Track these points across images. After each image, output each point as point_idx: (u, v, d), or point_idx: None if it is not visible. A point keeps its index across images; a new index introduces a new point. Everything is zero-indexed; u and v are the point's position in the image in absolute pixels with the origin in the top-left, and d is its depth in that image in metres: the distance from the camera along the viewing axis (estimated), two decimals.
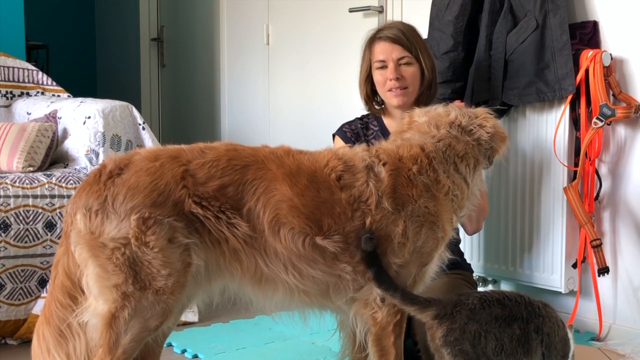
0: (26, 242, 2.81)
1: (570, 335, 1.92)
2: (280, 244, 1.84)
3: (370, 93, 2.60)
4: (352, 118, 2.70)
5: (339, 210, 1.87)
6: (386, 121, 2.63)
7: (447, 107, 2.10)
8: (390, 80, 2.49)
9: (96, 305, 1.82)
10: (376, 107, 2.62)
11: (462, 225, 2.62)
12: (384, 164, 1.93)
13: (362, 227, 1.88)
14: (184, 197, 1.80)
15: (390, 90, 2.51)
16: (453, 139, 2.01)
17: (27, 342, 2.82)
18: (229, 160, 1.86)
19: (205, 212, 1.81)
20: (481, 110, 2.09)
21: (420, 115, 2.10)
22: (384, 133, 2.59)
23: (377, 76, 2.54)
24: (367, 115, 2.68)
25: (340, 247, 1.86)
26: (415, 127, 2.07)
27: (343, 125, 2.64)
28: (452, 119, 2.04)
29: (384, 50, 2.51)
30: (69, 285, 1.89)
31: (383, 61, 2.51)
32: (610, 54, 2.73)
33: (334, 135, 2.66)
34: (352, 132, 2.61)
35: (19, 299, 2.81)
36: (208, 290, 1.94)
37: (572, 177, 2.81)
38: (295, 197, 1.84)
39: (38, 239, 2.84)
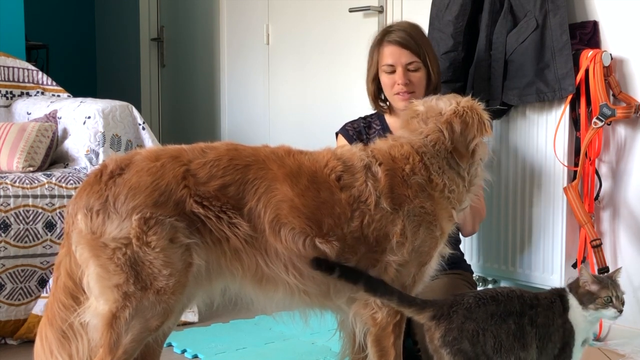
0: (26, 242, 2.81)
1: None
2: (281, 244, 1.84)
3: (377, 92, 2.61)
4: (352, 118, 2.72)
5: (339, 211, 1.87)
6: (389, 120, 2.64)
7: (440, 98, 2.08)
8: (398, 84, 2.50)
9: (97, 305, 1.82)
10: (382, 105, 2.63)
11: (458, 227, 2.62)
12: (379, 164, 1.94)
13: (359, 227, 1.88)
14: (185, 196, 1.80)
15: (397, 94, 2.52)
16: (440, 132, 1.99)
17: (27, 342, 2.82)
18: (230, 160, 1.86)
19: (207, 211, 1.81)
20: (464, 100, 2.04)
21: (420, 106, 2.09)
22: (386, 131, 2.60)
23: (385, 79, 2.54)
24: (371, 114, 2.70)
25: (339, 249, 1.86)
26: (407, 124, 2.07)
27: (346, 124, 2.66)
28: (439, 110, 2.03)
29: (393, 55, 2.51)
30: (71, 286, 1.89)
31: (392, 65, 2.51)
32: (610, 54, 2.73)
33: (337, 134, 2.67)
34: (355, 130, 2.63)
35: (19, 299, 2.81)
36: (209, 290, 1.94)
37: (572, 177, 2.81)
38: (296, 197, 1.84)
39: (38, 239, 2.84)
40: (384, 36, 2.55)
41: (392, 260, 1.90)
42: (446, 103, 2.05)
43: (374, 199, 1.89)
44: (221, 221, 1.82)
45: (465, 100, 2.05)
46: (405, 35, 2.52)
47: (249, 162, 1.87)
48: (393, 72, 2.51)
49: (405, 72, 2.50)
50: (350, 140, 2.58)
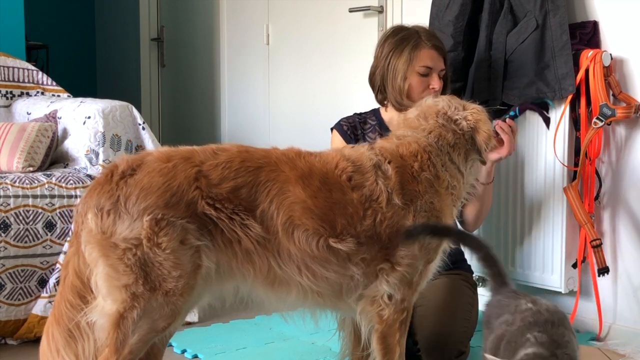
0: (26, 242, 2.81)
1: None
2: (294, 246, 1.85)
3: (407, 90, 2.55)
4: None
5: (351, 211, 1.88)
6: (385, 115, 2.65)
7: (436, 98, 2.13)
8: (433, 88, 2.51)
9: (104, 305, 1.81)
10: (407, 103, 2.57)
11: (463, 223, 2.63)
12: (389, 162, 1.96)
13: (372, 225, 1.89)
14: (197, 198, 1.80)
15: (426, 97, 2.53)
16: (442, 128, 2.04)
17: (27, 342, 2.83)
18: (241, 162, 1.86)
19: (219, 213, 1.81)
20: (472, 105, 2.11)
21: (412, 110, 2.13)
22: (381, 126, 2.62)
23: (418, 80, 2.52)
24: (366, 111, 2.70)
25: (353, 247, 1.88)
26: (406, 123, 2.10)
27: (341, 120, 2.67)
28: (439, 109, 2.07)
29: (433, 59, 2.52)
30: (79, 285, 1.88)
31: (429, 68, 2.52)
32: (610, 54, 2.73)
33: (332, 129, 2.68)
34: (349, 125, 2.64)
35: (19, 299, 2.81)
36: (219, 291, 1.94)
37: (572, 177, 2.81)
38: (308, 198, 1.85)
39: (38, 239, 2.84)
40: (422, 40, 2.53)
41: (404, 255, 1.92)
42: (445, 103, 2.08)
43: (385, 197, 1.91)
44: (233, 222, 1.82)
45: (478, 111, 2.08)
46: (441, 44, 2.57)
47: (261, 164, 1.87)
48: (426, 75, 2.52)
49: (439, 78, 2.54)
50: (345, 135, 2.60)
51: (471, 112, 2.07)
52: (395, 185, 1.92)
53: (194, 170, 1.82)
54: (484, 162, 2.11)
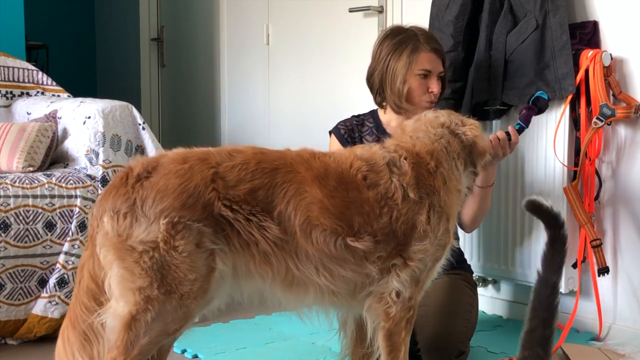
0: (26, 242, 2.81)
1: None
2: (312, 246, 1.85)
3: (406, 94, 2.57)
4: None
5: (367, 209, 1.90)
6: (383, 117, 2.65)
7: (437, 112, 2.18)
8: (431, 92, 2.53)
9: (116, 307, 1.81)
10: (407, 106, 2.58)
11: (460, 224, 2.63)
12: (405, 158, 1.98)
13: (388, 223, 1.91)
14: (214, 199, 1.80)
15: (427, 101, 2.55)
16: (450, 137, 2.09)
17: (27, 342, 2.83)
18: (257, 164, 1.86)
19: (236, 215, 1.81)
20: (470, 121, 2.16)
21: (410, 122, 2.17)
22: (379, 128, 2.62)
23: (417, 83, 2.53)
24: (364, 113, 2.71)
25: (370, 245, 1.89)
26: (412, 129, 2.12)
27: (338, 123, 2.68)
28: (441, 122, 2.12)
29: (431, 62, 2.54)
30: (94, 288, 1.88)
31: (429, 71, 2.53)
32: (610, 54, 2.73)
33: (330, 133, 2.68)
34: (346, 128, 2.65)
35: (19, 299, 2.81)
36: (239, 293, 1.94)
37: (572, 177, 2.81)
38: (325, 198, 1.86)
39: (38, 239, 2.84)
40: (421, 43, 2.53)
41: (417, 250, 1.93)
42: (446, 117, 2.13)
43: (400, 193, 1.93)
44: (250, 224, 1.82)
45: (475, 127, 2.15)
46: (439, 46, 2.58)
47: (277, 165, 1.88)
48: (426, 77, 2.54)
49: (437, 81, 2.55)
50: (342, 138, 2.62)
51: (469, 128, 2.12)
52: (411, 180, 1.95)
53: (211, 172, 1.82)
54: (476, 175, 2.21)
